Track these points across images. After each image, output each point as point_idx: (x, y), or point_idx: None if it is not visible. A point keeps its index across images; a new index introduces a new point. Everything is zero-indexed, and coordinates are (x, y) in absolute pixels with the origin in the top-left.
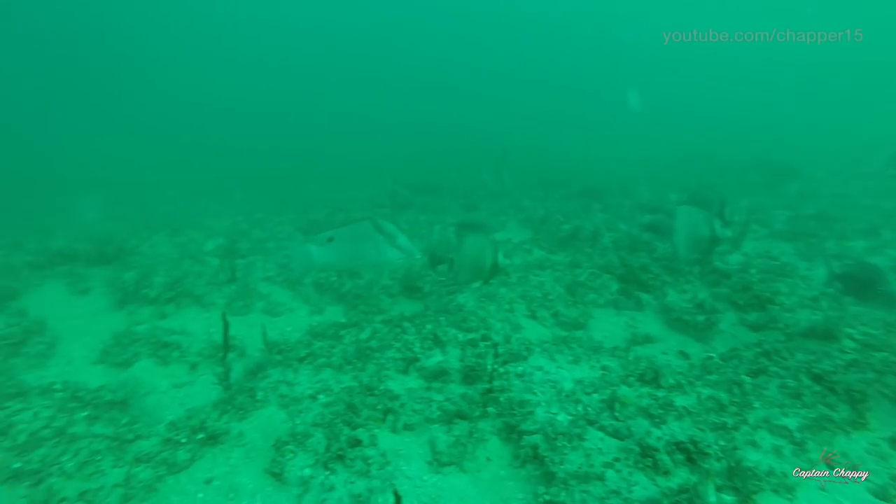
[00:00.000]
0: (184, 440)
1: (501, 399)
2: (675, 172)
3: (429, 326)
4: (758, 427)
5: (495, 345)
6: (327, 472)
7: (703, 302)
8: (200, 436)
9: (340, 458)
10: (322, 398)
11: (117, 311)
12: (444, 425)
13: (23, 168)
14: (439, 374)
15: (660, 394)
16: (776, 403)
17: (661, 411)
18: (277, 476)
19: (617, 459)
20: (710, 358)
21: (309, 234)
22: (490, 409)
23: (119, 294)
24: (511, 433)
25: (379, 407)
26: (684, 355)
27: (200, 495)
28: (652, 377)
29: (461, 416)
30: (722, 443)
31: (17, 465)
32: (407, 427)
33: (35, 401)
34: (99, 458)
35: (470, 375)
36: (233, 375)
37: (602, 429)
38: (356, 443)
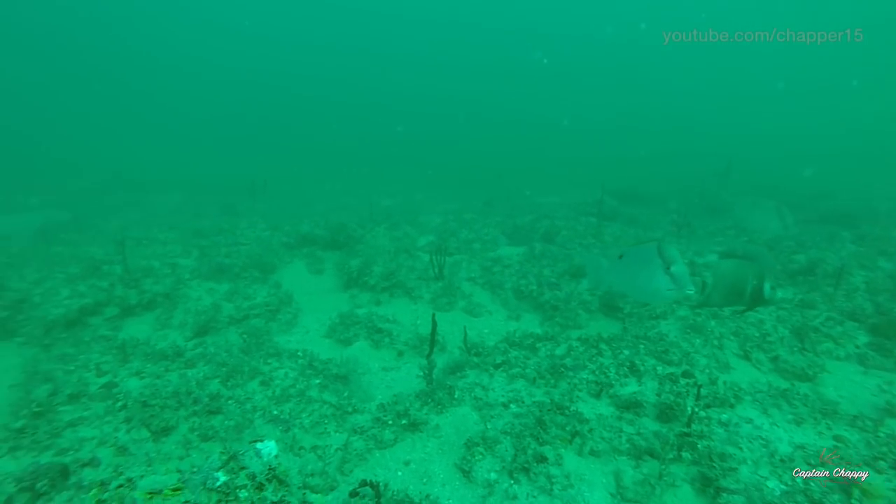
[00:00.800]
0: (390, 422)
1: (699, 446)
2: None
3: (626, 352)
4: None
5: (699, 385)
6: (512, 481)
7: None
8: (403, 421)
9: (525, 470)
10: (514, 408)
11: (342, 293)
12: (632, 459)
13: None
14: (633, 406)
15: None
16: None
17: None
18: (466, 473)
19: None
20: None
21: (513, 238)
22: (685, 455)
23: (345, 278)
24: (707, 486)
25: (567, 427)
26: None
27: (399, 473)
28: None
29: (652, 454)
30: None
31: (275, 412)
32: (593, 453)
33: (286, 362)
34: (326, 421)
35: (666, 413)
36: (434, 371)
37: None
38: (542, 459)
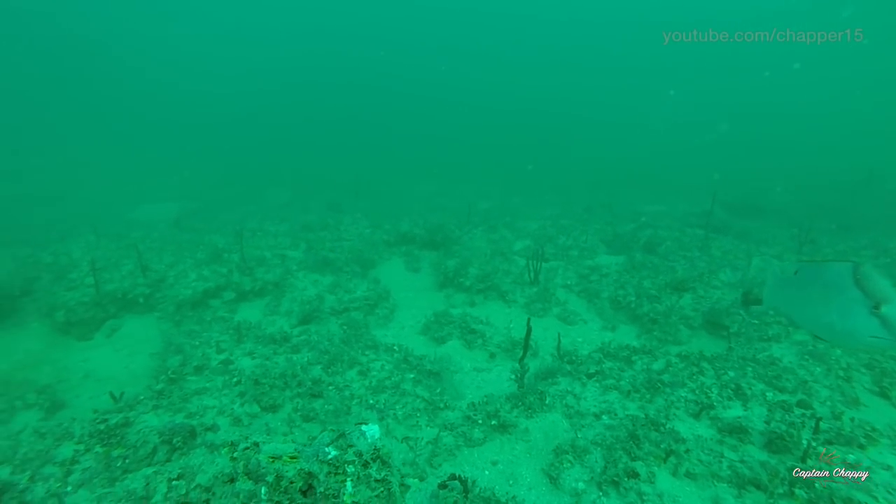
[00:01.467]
0: (480, 421)
1: (817, 486)
2: None
3: (731, 373)
4: None
5: (818, 419)
6: (600, 493)
7: None
8: (493, 422)
9: (615, 484)
10: (605, 419)
11: (438, 292)
12: (733, 488)
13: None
14: (736, 430)
15: None
16: None
17: None
18: (553, 480)
19: None
20: None
21: (612, 246)
22: (798, 492)
23: (441, 277)
24: None
25: (662, 445)
26: None
27: (487, 473)
28: None
29: (757, 485)
30: None
31: (371, 401)
32: (689, 475)
33: (382, 355)
34: (418, 415)
35: (776, 443)
36: (526, 376)
37: None
38: (633, 474)
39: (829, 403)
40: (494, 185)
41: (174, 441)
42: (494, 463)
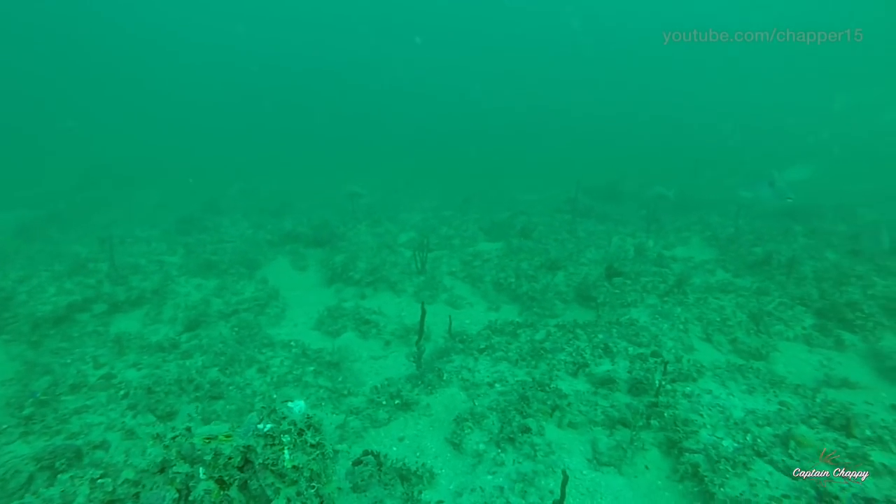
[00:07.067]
0: (384, 402)
1: (666, 414)
2: None
3: (600, 336)
4: None
5: (665, 362)
6: (499, 450)
7: None
8: (397, 401)
9: (511, 440)
10: (498, 387)
11: (327, 288)
12: (606, 429)
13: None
14: (607, 382)
15: (851, 443)
16: None
17: (849, 461)
18: (456, 446)
19: (786, 496)
20: None
21: (491, 234)
22: (653, 422)
23: (329, 273)
24: (672, 448)
25: (548, 402)
26: None
27: (395, 449)
28: (843, 424)
29: (624, 423)
30: None
31: (274, 396)
32: (572, 424)
33: (280, 352)
34: (323, 403)
35: (637, 387)
36: (422, 357)
37: (772, 463)
38: (526, 430)
39: (673, 351)
40: (376, 180)
41: (56, 465)
42: (401, 439)
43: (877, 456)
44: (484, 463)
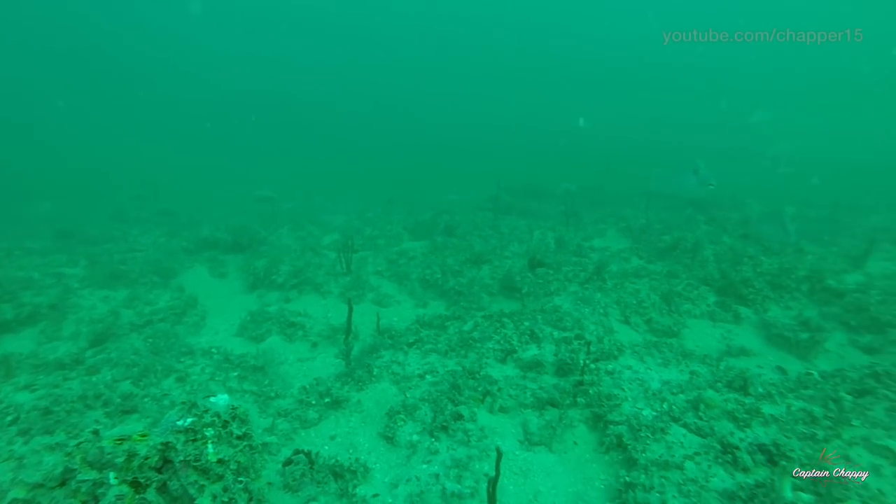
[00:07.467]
0: (314, 402)
1: (591, 392)
2: (796, 184)
3: (526, 323)
4: (854, 444)
5: (588, 343)
6: (433, 440)
7: (808, 320)
8: (327, 400)
9: (444, 428)
10: (429, 378)
11: (249, 294)
12: (536, 410)
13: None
14: (535, 366)
15: (747, 401)
16: (881, 425)
17: (746, 416)
18: (389, 439)
19: (697, 453)
20: (809, 374)
21: (415, 233)
22: (580, 400)
23: (251, 278)
24: (598, 422)
25: (479, 389)
26: (781, 370)
27: (327, 447)
28: (741, 385)
29: (552, 403)
30: (808, 451)
31: (192, 400)
32: (503, 409)
33: (200, 359)
34: (247, 407)
35: (563, 369)
36: (351, 354)
37: (685, 426)
38: (458, 417)
39: (595, 333)
40: (298, 186)
41: None
42: (333, 437)
43: (766, 408)
44: (418, 453)
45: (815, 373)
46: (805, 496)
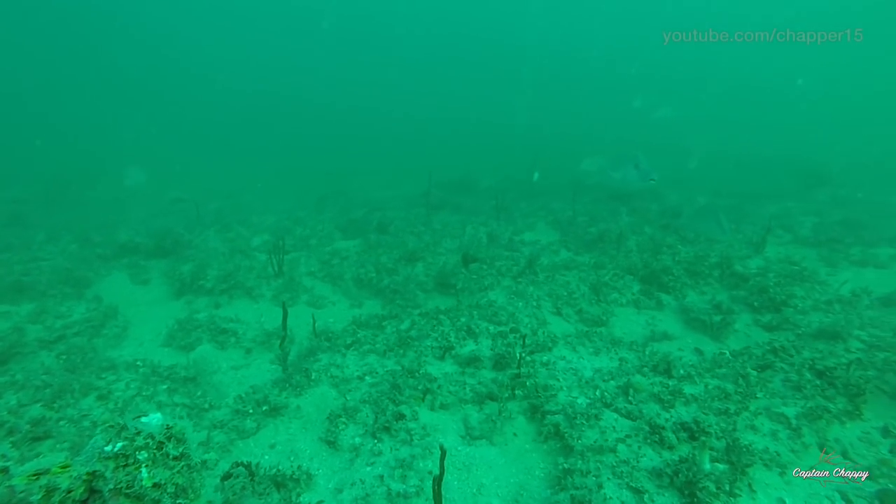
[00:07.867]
0: (251, 411)
1: (528, 384)
2: (704, 176)
3: (463, 319)
4: (758, 414)
5: (523, 336)
6: (375, 441)
7: (720, 303)
8: (265, 408)
9: (387, 429)
10: (369, 379)
11: (176, 301)
12: (476, 405)
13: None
14: (472, 361)
15: (671, 383)
16: (778, 394)
17: (670, 397)
18: (332, 443)
19: (628, 436)
20: (722, 354)
21: (347, 231)
22: (518, 392)
23: (177, 284)
24: (536, 413)
25: (419, 387)
26: (699, 352)
27: (267, 457)
28: (665, 368)
29: (491, 397)
30: (723, 425)
31: (122, 422)
32: (443, 406)
33: (123, 374)
34: (181, 421)
35: (500, 363)
36: (287, 359)
37: (616, 410)
38: (400, 417)
39: (529, 326)
40: (222, 185)
41: None
42: (273, 445)
43: (687, 389)
44: (362, 456)
45: (727, 352)
46: (720, 466)
